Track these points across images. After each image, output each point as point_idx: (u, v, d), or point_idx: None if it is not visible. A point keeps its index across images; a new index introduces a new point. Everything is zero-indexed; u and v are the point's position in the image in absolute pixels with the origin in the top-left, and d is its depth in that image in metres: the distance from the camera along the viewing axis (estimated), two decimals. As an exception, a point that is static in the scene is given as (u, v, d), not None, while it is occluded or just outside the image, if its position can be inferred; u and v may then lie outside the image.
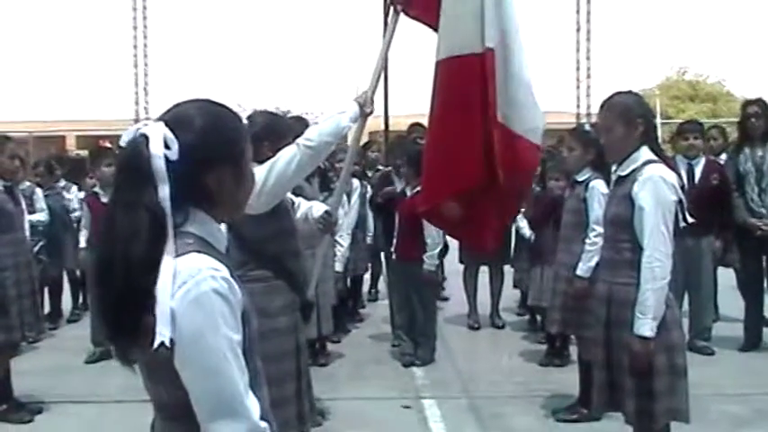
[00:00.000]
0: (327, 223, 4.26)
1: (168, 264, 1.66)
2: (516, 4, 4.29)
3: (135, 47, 24.38)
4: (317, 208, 4.30)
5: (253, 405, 1.70)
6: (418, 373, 6.61)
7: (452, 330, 7.91)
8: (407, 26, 4.36)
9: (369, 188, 7.99)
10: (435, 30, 4.34)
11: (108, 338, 1.77)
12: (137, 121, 24.42)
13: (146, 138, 1.71)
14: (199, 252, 1.70)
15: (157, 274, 1.65)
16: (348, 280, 7.95)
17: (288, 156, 3.69)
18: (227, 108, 1.87)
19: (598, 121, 3.93)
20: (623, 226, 3.64)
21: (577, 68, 25.53)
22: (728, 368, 6.55)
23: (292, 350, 3.95)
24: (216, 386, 1.65)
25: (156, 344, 1.61)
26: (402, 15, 4.31)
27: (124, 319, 1.70)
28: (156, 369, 1.72)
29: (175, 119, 1.77)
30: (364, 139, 7.80)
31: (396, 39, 4.33)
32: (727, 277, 7.86)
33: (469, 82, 4.21)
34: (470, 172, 4.27)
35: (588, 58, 25.31)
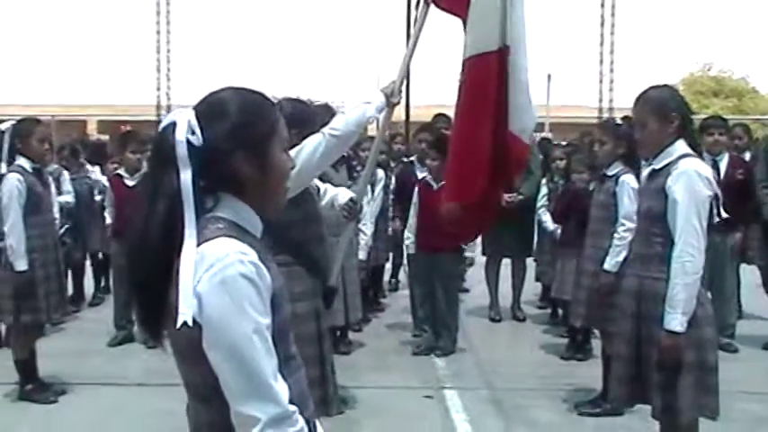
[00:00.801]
0: (352, 210, 4.29)
1: (190, 247, 1.69)
2: (526, 3, 4.33)
3: (158, 32, 24.43)
4: (343, 195, 4.33)
5: (281, 389, 1.71)
6: (439, 364, 6.62)
7: (473, 322, 7.90)
8: (431, 17, 4.37)
9: (393, 179, 7.99)
10: (464, 22, 4.36)
11: (138, 320, 1.83)
12: (158, 107, 24.59)
13: (174, 124, 1.76)
14: (229, 236, 1.72)
15: (176, 257, 1.69)
16: (369, 269, 7.96)
17: (313, 144, 3.73)
18: (261, 96, 1.89)
19: (632, 116, 3.91)
20: (656, 220, 3.62)
21: (601, 62, 25.40)
22: (752, 366, 6.52)
23: (313, 335, 3.98)
24: (242, 369, 1.67)
25: (178, 323, 1.65)
26: (432, 7, 4.33)
27: (150, 300, 1.76)
28: (185, 351, 1.75)
29: (207, 105, 1.82)
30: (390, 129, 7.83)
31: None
32: (750, 275, 7.82)
33: (487, 81, 4.28)
34: (476, 186, 4.39)
35: (612, 52, 25.18)
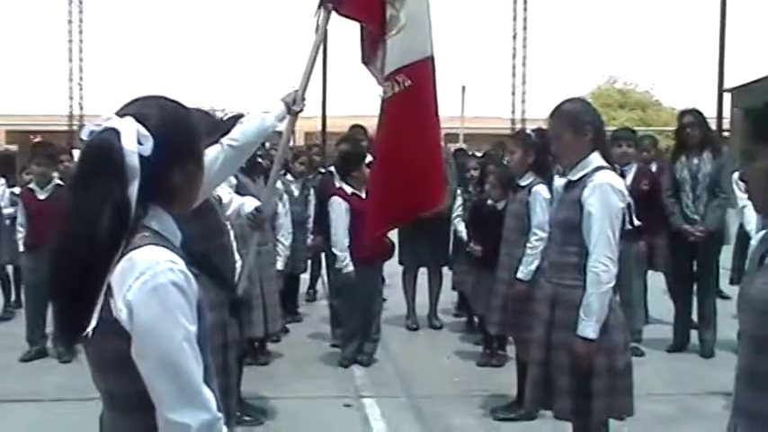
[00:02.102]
0: (257, 220, 4.29)
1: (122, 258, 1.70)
2: (442, 17, 4.50)
3: (70, 41, 23.99)
4: (249, 204, 4.32)
5: (209, 395, 1.74)
6: (358, 373, 6.67)
7: (391, 331, 7.96)
8: (348, 29, 4.44)
9: (311, 190, 8.03)
10: (368, 27, 4.46)
11: (58, 330, 1.82)
12: (71, 116, 24.03)
13: (116, 132, 1.72)
14: (156, 245, 1.73)
15: (111, 267, 1.69)
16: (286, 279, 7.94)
17: (211, 155, 3.63)
18: (181, 104, 1.90)
19: (548, 129, 4.04)
20: (571, 230, 3.75)
21: (513, 75, 25.99)
22: (658, 369, 6.73)
23: (219, 346, 3.96)
24: (173, 376, 1.68)
25: (88, 330, 1.67)
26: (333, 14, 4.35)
27: (77, 310, 1.72)
28: (110, 360, 1.74)
29: (143, 115, 1.78)
30: (301, 140, 7.83)
31: (334, 39, 4.42)
32: (656, 281, 8.10)
33: (428, 88, 4.40)
34: (432, 193, 4.53)
35: (524, 65, 25.76)
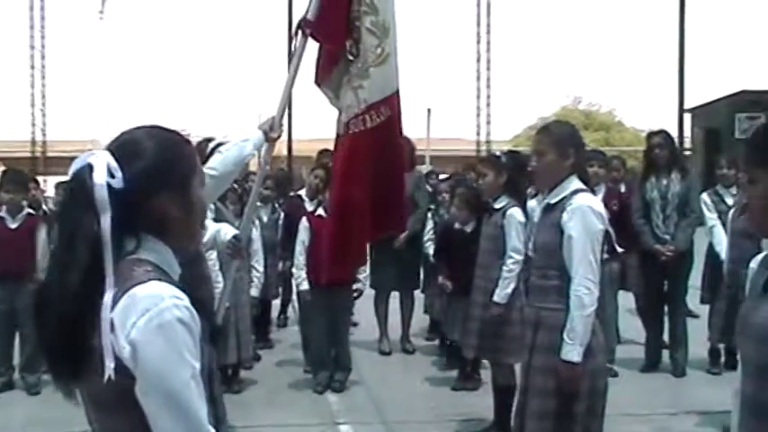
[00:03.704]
0: (236, 248, 4.26)
1: (109, 296, 1.65)
2: (407, 38, 4.57)
3: (32, 66, 23.72)
4: (226, 231, 4.29)
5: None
6: (332, 399, 6.61)
7: (364, 355, 7.91)
8: (311, 51, 4.43)
9: (281, 214, 7.98)
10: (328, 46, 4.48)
11: (51, 370, 1.76)
12: (33, 142, 23.74)
13: (90, 167, 1.71)
14: (159, 280, 1.70)
15: (96, 305, 1.64)
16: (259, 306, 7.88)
17: None
18: (175, 134, 1.88)
19: (532, 145, 4.06)
20: (551, 253, 3.76)
21: (478, 97, 26.18)
22: (631, 389, 6.75)
23: (204, 376, 3.91)
24: (180, 415, 1.65)
25: (105, 377, 1.61)
26: (310, 40, 4.36)
27: (63, 351, 1.69)
28: (111, 399, 1.69)
29: (122, 146, 1.78)
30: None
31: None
32: (625, 300, 8.14)
33: (398, 117, 4.46)
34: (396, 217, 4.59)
35: (488, 87, 25.96)
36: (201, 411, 1.68)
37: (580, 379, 3.64)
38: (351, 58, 4.40)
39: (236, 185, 6.06)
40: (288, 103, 4.30)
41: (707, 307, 7.54)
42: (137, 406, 1.65)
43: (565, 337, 3.63)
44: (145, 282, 1.67)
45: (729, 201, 7.28)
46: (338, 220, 4.63)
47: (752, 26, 67.31)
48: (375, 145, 4.47)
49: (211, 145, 4.51)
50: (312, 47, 4.39)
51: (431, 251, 7.60)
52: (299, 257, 6.86)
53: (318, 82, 4.55)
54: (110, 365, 1.62)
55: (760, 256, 2.12)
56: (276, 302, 9.11)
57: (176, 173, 1.80)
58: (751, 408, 2.00)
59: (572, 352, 3.62)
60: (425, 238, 7.76)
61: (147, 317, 1.63)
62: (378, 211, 4.55)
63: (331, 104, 4.57)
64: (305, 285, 6.85)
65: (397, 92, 4.55)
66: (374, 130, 4.44)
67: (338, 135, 4.53)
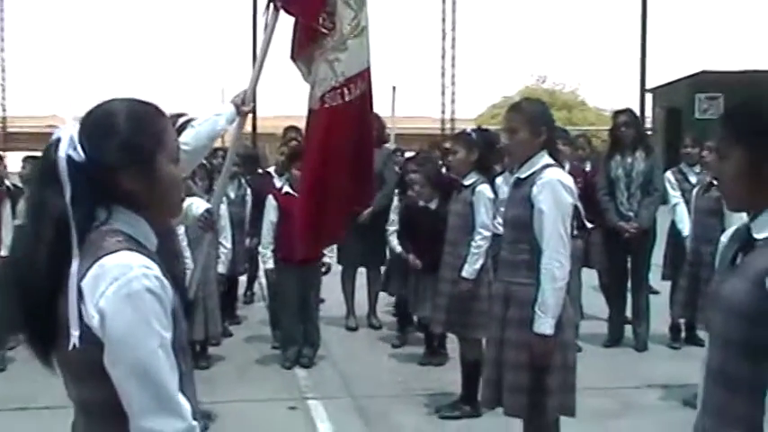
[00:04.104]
0: (208, 222, 4.24)
1: (75, 267, 1.67)
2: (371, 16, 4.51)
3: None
4: (197, 205, 4.27)
5: (185, 404, 1.72)
6: (301, 375, 6.64)
7: (331, 332, 7.93)
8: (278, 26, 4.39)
9: (248, 190, 7.96)
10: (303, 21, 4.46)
11: (27, 341, 1.77)
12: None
13: (58, 140, 1.74)
14: (131, 250, 1.71)
15: (66, 275, 1.67)
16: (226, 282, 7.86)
17: None
18: (150, 106, 1.87)
19: (504, 122, 4.10)
20: (522, 228, 3.81)
21: (443, 75, 26.20)
22: (595, 364, 6.83)
23: (183, 353, 3.91)
24: (148, 384, 1.65)
25: (70, 346, 1.64)
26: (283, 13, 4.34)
27: (36, 322, 1.72)
28: (82, 368, 1.71)
29: (92, 119, 1.79)
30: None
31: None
32: (588, 277, 8.25)
33: (371, 92, 4.46)
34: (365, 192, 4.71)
35: (453, 66, 26.00)
36: (171, 382, 1.69)
37: (552, 352, 3.70)
38: (325, 31, 4.38)
39: (205, 161, 6.02)
40: (259, 76, 4.26)
41: (668, 284, 7.69)
42: (106, 375, 1.66)
43: (537, 310, 3.69)
44: (115, 251, 1.69)
45: (693, 179, 7.41)
46: (312, 196, 4.59)
47: (712, 7, 68.16)
48: (352, 119, 4.46)
49: (181, 120, 4.48)
50: (288, 21, 4.37)
51: (393, 243, 7.36)
52: (267, 236, 6.87)
53: (294, 57, 4.52)
54: (74, 333, 1.64)
55: (730, 231, 2.17)
56: (243, 279, 9.09)
57: (143, 148, 1.79)
58: (716, 379, 2.05)
59: (544, 325, 3.68)
60: (391, 218, 7.59)
61: (115, 286, 1.64)
62: (350, 186, 4.57)
63: (303, 79, 4.54)
64: (270, 264, 6.89)
65: (369, 67, 4.54)
66: (351, 104, 4.43)
67: (311, 110, 4.49)
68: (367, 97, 4.51)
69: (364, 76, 4.45)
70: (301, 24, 4.45)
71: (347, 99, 4.40)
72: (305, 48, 4.47)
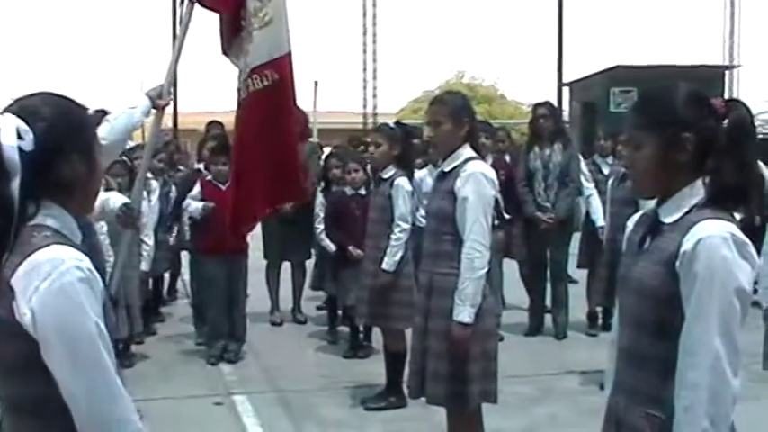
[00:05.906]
0: (127, 216, 4.17)
1: (5, 258, 1.68)
2: (292, 10, 4.56)
3: None
4: (115, 199, 4.21)
5: (125, 391, 1.74)
6: (226, 370, 6.63)
7: (256, 327, 7.89)
8: (198, 22, 4.38)
9: (173, 187, 7.88)
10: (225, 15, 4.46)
11: None
12: None
13: None
14: (59, 243, 1.71)
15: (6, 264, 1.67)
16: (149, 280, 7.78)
17: None
18: (71, 99, 1.89)
19: (428, 116, 4.17)
20: (445, 219, 3.89)
21: (364, 70, 26.22)
22: (516, 352, 6.98)
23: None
24: (91, 374, 1.67)
25: None
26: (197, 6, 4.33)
27: None
28: (13, 363, 1.71)
29: (23, 110, 1.77)
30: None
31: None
32: (509, 268, 8.42)
33: (288, 82, 4.47)
34: (294, 186, 4.72)
35: (375, 60, 26.04)
36: (111, 369, 1.70)
37: (471, 340, 3.80)
38: (243, 23, 4.41)
39: (125, 157, 5.95)
40: (176, 70, 4.24)
41: (584, 271, 7.91)
42: (42, 371, 1.66)
43: (456, 298, 3.78)
44: (45, 246, 1.69)
45: (606, 170, 7.65)
46: (236, 186, 4.69)
47: (628, 3, 69.84)
48: (262, 109, 4.48)
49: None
50: (214, 16, 4.38)
51: (325, 243, 7.33)
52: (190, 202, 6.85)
53: (225, 51, 4.55)
54: None
55: (635, 216, 2.27)
56: (165, 276, 9.00)
57: (82, 136, 1.82)
58: (627, 358, 2.14)
59: (463, 313, 3.77)
60: (316, 211, 7.60)
61: (48, 281, 1.65)
62: (275, 180, 4.59)
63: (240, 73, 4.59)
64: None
65: (289, 54, 4.53)
66: (258, 94, 4.45)
67: (238, 103, 4.56)
68: (286, 87, 4.52)
69: (277, 64, 4.45)
70: (226, 18, 4.47)
71: (251, 90, 4.44)
72: (231, 42, 4.49)
